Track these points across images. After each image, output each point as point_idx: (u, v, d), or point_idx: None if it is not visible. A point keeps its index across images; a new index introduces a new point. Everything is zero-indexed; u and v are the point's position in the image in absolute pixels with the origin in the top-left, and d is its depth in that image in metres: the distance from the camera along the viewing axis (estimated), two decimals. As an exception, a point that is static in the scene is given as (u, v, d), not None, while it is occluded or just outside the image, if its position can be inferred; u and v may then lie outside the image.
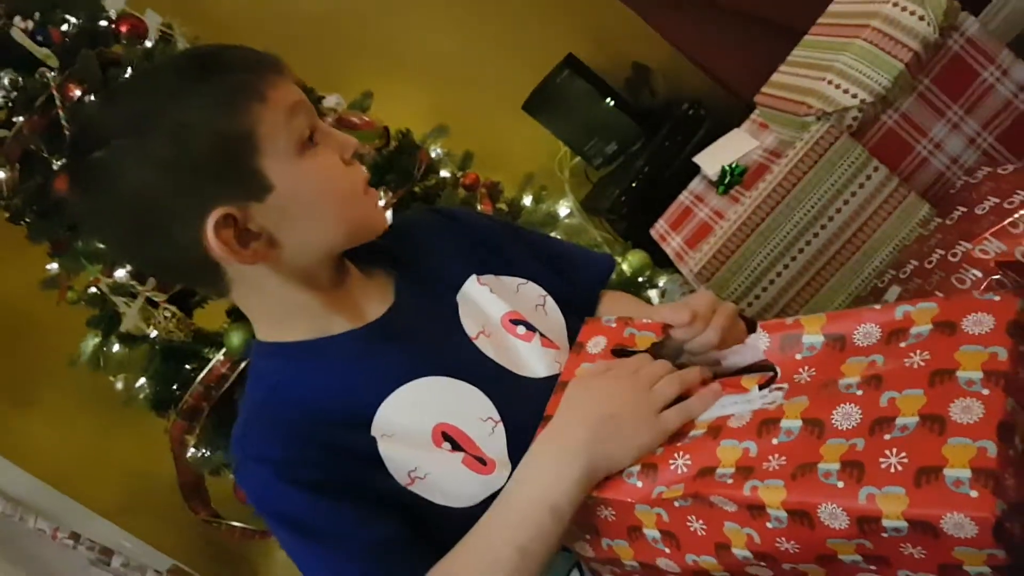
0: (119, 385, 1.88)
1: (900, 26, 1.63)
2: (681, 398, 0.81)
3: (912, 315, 0.71)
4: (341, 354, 0.91)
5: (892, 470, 0.61)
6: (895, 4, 1.64)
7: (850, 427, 0.66)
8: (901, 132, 1.70)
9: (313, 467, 0.82)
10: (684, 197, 2.06)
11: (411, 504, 0.84)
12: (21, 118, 1.69)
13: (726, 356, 0.85)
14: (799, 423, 0.69)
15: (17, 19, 1.72)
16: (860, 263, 1.67)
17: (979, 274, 1.38)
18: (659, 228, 2.08)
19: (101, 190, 0.82)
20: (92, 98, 1.71)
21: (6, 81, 1.69)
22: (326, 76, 2.10)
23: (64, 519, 2.62)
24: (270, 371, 0.92)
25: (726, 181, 1.89)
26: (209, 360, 1.80)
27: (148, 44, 1.87)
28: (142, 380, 1.87)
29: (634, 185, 2.70)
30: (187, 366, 1.85)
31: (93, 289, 1.81)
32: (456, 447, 0.87)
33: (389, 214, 1.93)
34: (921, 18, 1.62)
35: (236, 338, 1.75)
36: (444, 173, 2.17)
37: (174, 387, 1.85)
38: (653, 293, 2.11)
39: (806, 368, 0.76)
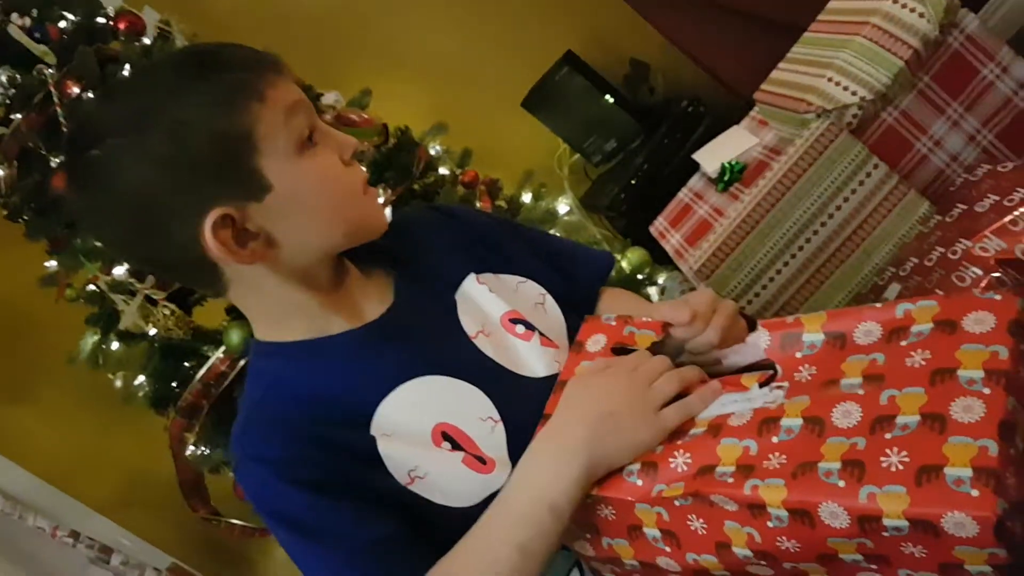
0: (118, 383, 1.88)
1: (900, 23, 1.63)
2: (681, 396, 0.81)
3: (913, 313, 0.71)
4: (340, 354, 0.90)
5: (893, 469, 0.61)
6: (895, 1, 1.64)
7: (851, 426, 0.66)
8: (901, 129, 1.70)
9: (312, 466, 0.82)
10: (683, 194, 2.06)
11: (411, 504, 0.84)
12: (19, 115, 1.69)
13: (727, 355, 0.85)
14: (800, 422, 0.69)
15: (15, 16, 1.72)
16: (860, 261, 1.67)
17: (979, 272, 1.38)
18: (658, 225, 2.08)
19: (98, 188, 0.82)
20: (90, 95, 1.71)
21: (4, 78, 1.69)
22: (325, 73, 2.10)
23: (63, 517, 2.62)
24: (269, 370, 0.92)
25: (726, 178, 1.88)
26: (208, 358, 1.80)
27: (146, 41, 1.87)
28: (141, 378, 1.87)
29: (633, 182, 2.70)
30: (186, 364, 1.85)
31: (92, 287, 1.81)
32: (456, 446, 0.86)
33: (388, 212, 1.93)
34: (921, 15, 1.61)
35: (235, 336, 1.75)
36: (443, 170, 2.17)
37: (173, 385, 1.85)
38: (652, 290, 2.11)
39: (807, 366, 0.75)
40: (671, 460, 0.74)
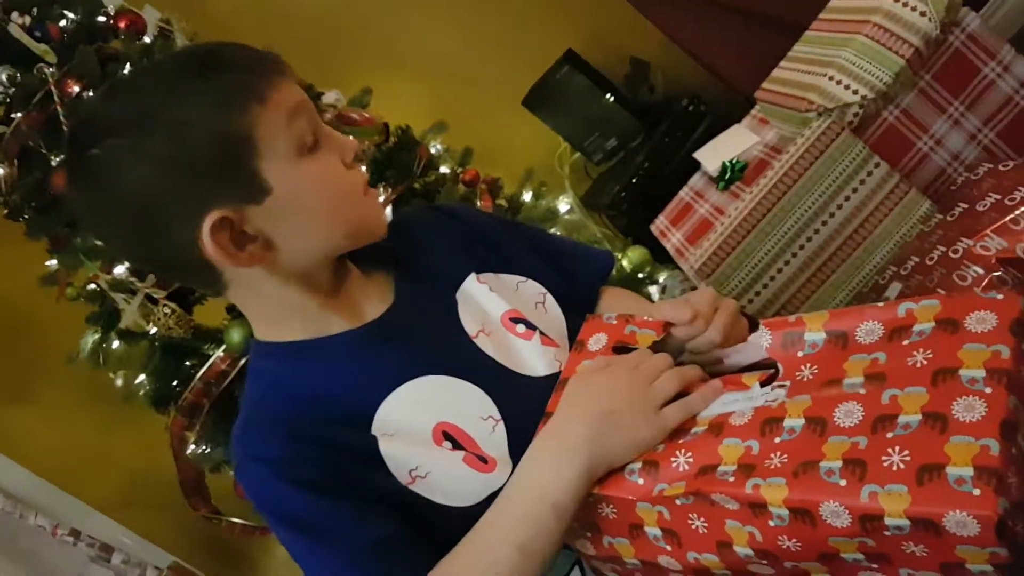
0: (119, 382, 1.88)
1: (901, 22, 1.63)
2: (682, 395, 0.81)
3: (915, 313, 0.71)
4: (340, 354, 0.90)
5: (894, 468, 0.60)
6: (896, -1, 1.64)
7: (852, 425, 0.66)
8: (902, 128, 1.70)
9: (312, 466, 0.82)
10: (684, 193, 2.06)
11: (412, 503, 0.84)
12: (19, 114, 1.69)
13: (728, 354, 0.85)
14: (801, 421, 0.69)
15: (15, 15, 1.72)
16: (861, 260, 1.67)
17: (980, 271, 1.38)
18: (659, 224, 2.08)
19: (98, 187, 0.82)
20: (90, 94, 1.71)
21: (4, 77, 1.69)
22: (325, 72, 2.10)
23: (64, 516, 2.63)
24: (269, 370, 0.92)
25: (726, 177, 1.88)
26: (209, 356, 1.80)
27: (147, 40, 1.87)
28: (142, 377, 1.87)
29: (634, 181, 2.70)
30: (187, 362, 1.84)
31: (92, 286, 1.80)
32: (457, 446, 0.86)
33: (388, 211, 1.93)
34: (923, 14, 1.61)
35: (236, 334, 1.75)
36: (444, 169, 2.17)
37: (174, 384, 1.85)
38: (653, 289, 2.11)
39: (808, 366, 0.75)
40: (673, 459, 0.74)
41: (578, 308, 1.00)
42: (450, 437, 0.87)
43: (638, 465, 0.76)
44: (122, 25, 1.84)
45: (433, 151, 2.17)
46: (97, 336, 1.84)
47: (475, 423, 0.88)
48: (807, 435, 0.67)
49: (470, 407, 0.89)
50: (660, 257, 2.11)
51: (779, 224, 1.65)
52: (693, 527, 0.72)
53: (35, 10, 1.76)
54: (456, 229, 1.04)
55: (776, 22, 2.26)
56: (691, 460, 0.73)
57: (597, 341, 0.89)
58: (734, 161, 1.89)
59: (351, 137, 0.91)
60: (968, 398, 0.62)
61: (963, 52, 1.66)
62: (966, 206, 1.55)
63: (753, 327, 0.82)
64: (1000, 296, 0.67)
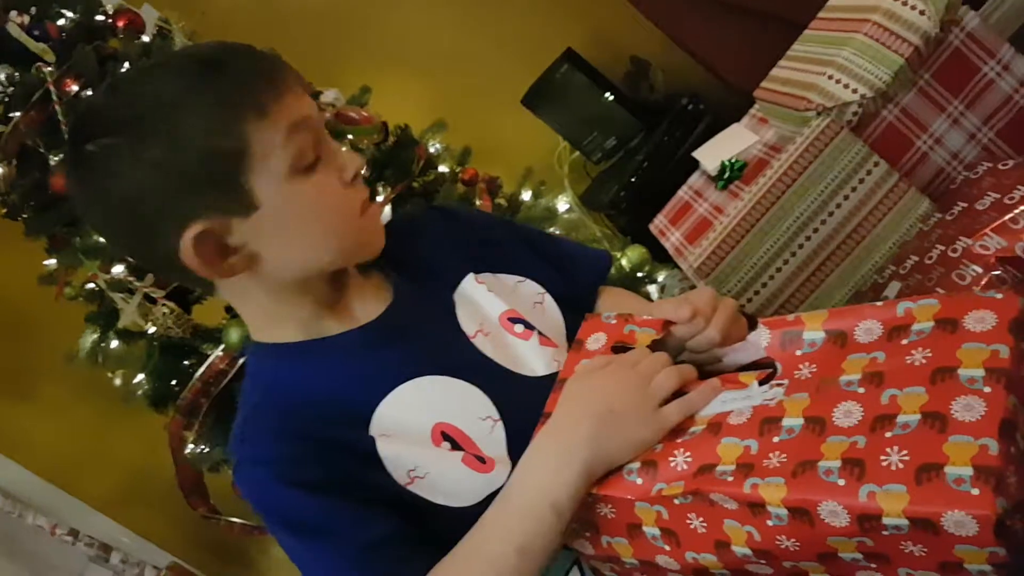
0: (117, 381, 1.88)
1: (901, 20, 1.63)
2: (680, 394, 0.80)
3: (913, 312, 0.71)
4: (338, 355, 0.90)
5: (893, 468, 0.60)
6: (895, -2, 1.64)
7: (851, 424, 0.65)
8: (901, 127, 1.70)
9: (310, 467, 0.82)
10: (683, 192, 2.06)
11: (411, 503, 0.83)
12: (18, 113, 1.69)
13: (727, 353, 0.85)
14: (800, 421, 0.69)
15: (13, 14, 1.72)
16: (860, 259, 1.67)
17: (979, 270, 1.38)
18: (658, 223, 2.07)
19: (92, 183, 0.82)
20: (89, 93, 1.71)
21: (2, 76, 1.68)
22: (324, 71, 2.09)
23: (63, 515, 2.63)
24: (266, 372, 0.91)
25: (725, 176, 1.88)
26: (208, 356, 1.80)
27: (145, 39, 1.87)
28: (140, 376, 1.87)
29: (633, 180, 2.70)
30: (185, 362, 1.84)
31: (91, 285, 1.80)
32: (455, 446, 0.86)
33: (388, 210, 1.93)
34: (922, 12, 1.61)
35: (235, 334, 1.75)
36: (443, 168, 2.16)
37: (173, 383, 1.85)
38: (652, 288, 2.11)
39: (807, 364, 0.75)
40: (671, 459, 0.74)
41: (577, 308, 1.00)
42: (449, 437, 0.86)
43: (636, 465, 0.76)
44: (120, 24, 1.84)
45: (432, 150, 2.17)
46: (96, 335, 1.83)
47: (474, 423, 0.88)
48: (806, 435, 0.67)
49: (469, 407, 0.88)
50: (659, 256, 2.11)
51: (778, 223, 1.65)
52: (691, 527, 0.72)
53: (34, 9, 1.76)
54: (454, 229, 1.04)
55: (776, 21, 2.26)
56: (690, 460, 0.73)
57: (596, 340, 0.88)
58: (733, 160, 1.89)
59: (357, 154, 0.89)
60: (967, 397, 0.62)
61: (962, 51, 1.66)
62: (965, 205, 1.55)
63: (752, 326, 0.82)
64: (999, 295, 0.67)
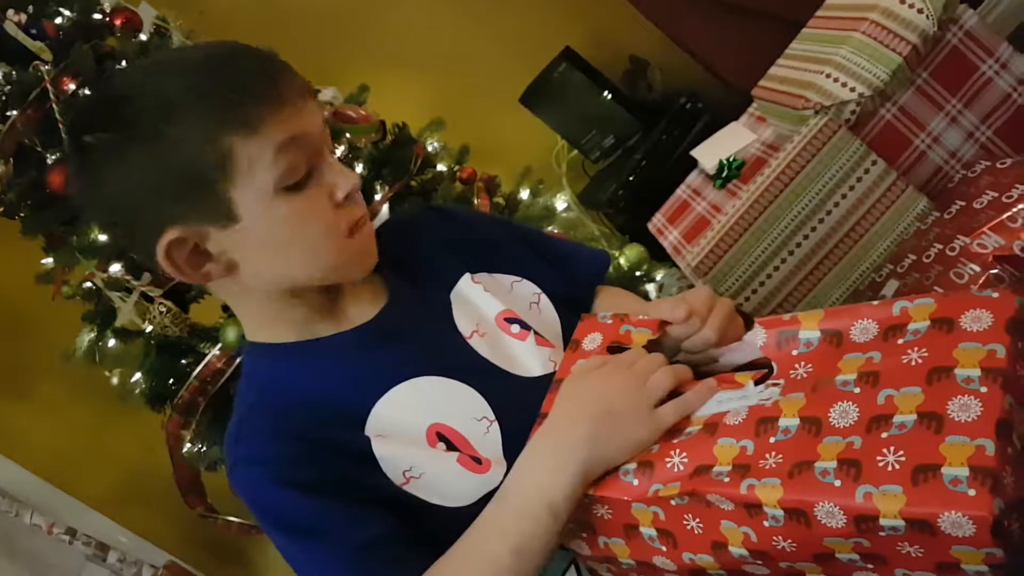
0: (115, 380, 1.88)
1: (899, 19, 1.63)
2: (676, 394, 0.80)
3: (910, 311, 0.71)
4: (333, 355, 0.90)
5: (889, 468, 0.60)
6: (894, -3, 1.64)
7: (847, 425, 0.65)
8: (899, 126, 1.70)
9: (305, 468, 0.82)
10: (682, 191, 2.06)
11: (407, 504, 0.83)
12: (15, 112, 1.68)
13: (723, 353, 0.85)
14: (796, 421, 0.69)
15: (10, 12, 1.71)
16: (858, 257, 1.67)
17: (977, 268, 1.38)
18: (656, 222, 2.08)
19: (85, 174, 0.83)
20: (86, 91, 1.70)
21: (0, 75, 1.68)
22: (322, 69, 2.08)
23: (60, 514, 2.62)
24: (261, 372, 0.91)
25: (724, 175, 1.88)
26: (205, 355, 1.80)
27: (143, 37, 1.86)
28: (138, 375, 1.86)
29: (631, 179, 2.70)
30: (183, 361, 1.84)
31: (88, 284, 1.80)
32: (451, 447, 0.86)
33: (385, 209, 1.93)
34: (920, 11, 1.61)
35: (232, 333, 1.74)
36: (441, 167, 2.16)
37: (170, 382, 1.84)
38: (650, 287, 2.11)
39: (802, 364, 0.75)
40: (667, 459, 0.74)
41: (574, 308, 1.00)
42: (444, 438, 0.86)
43: (633, 466, 0.76)
44: (118, 22, 1.84)
45: (430, 148, 2.16)
46: (93, 334, 1.83)
47: (469, 424, 0.87)
48: (802, 435, 0.67)
49: (464, 408, 0.88)
50: (657, 255, 2.11)
51: (776, 222, 1.65)
52: (688, 527, 0.72)
53: (31, 7, 1.76)
54: (451, 229, 1.04)
55: (774, 19, 2.26)
56: (686, 460, 0.73)
57: (592, 341, 0.88)
58: (731, 159, 1.89)
59: (352, 173, 0.86)
60: (963, 397, 0.61)
61: (961, 49, 1.66)
62: (963, 204, 1.55)
63: (749, 325, 0.82)
64: (995, 295, 0.67)
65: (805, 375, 0.74)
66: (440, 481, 0.84)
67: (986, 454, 0.58)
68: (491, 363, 0.93)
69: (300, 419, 0.85)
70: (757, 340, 0.80)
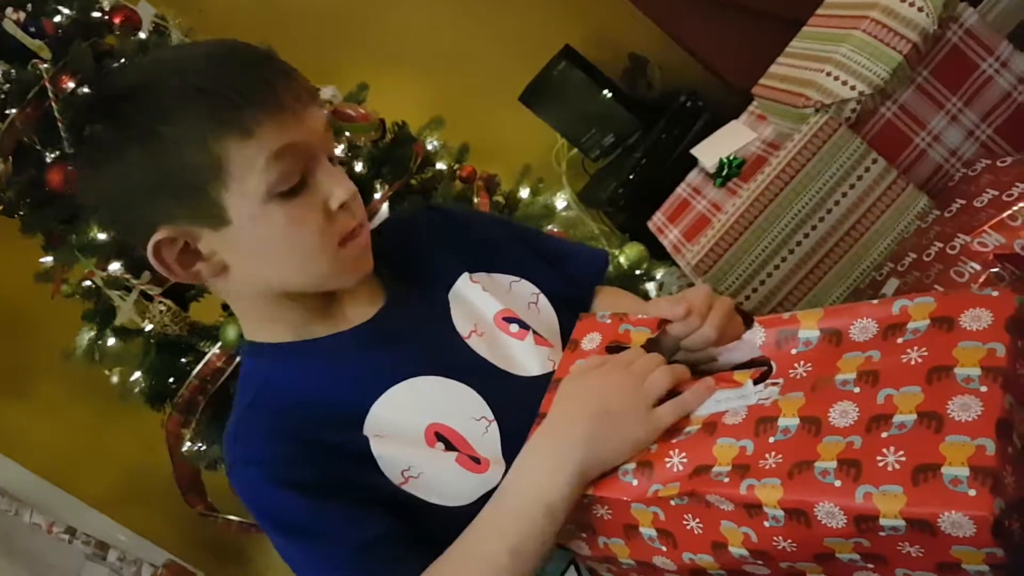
0: (114, 379, 1.88)
1: (899, 17, 1.63)
2: (674, 393, 0.80)
3: (909, 310, 0.70)
4: (331, 355, 0.90)
5: (889, 468, 0.60)
6: (894, -5, 1.64)
7: (847, 425, 0.65)
8: (900, 124, 1.69)
9: (303, 467, 0.81)
10: (682, 189, 2.06)
11: (405, 503, 0.83)
12: (14, 110, 1.68)
13: (723, 352, 0.84)
14: (796, 421, 0.68)
15: (9, 10, 1.71)
16: (858, 256, 1.67)
17: (977, 267, 1.38)
18: (656, 220, 2.07)
19: (87, 164, 0.84)
20: (85, 90, 1.70)
21: (-1, 73, 1.68)
22: (322, 68, 2.07)
23: (60, 513, 2.62)
24: (258, 372, 0.91)
25: (724, 173, 1.88)
26: (205, 354, 1.80)
27: (142, 36, 1.86)
28: (137, 374, 1.86)
29: (631, 177, 2.70)
30: (183, 359, 1.84)
31: (88, 282, 1.80)
32: (449, 447, 0.86)
33: (384, 208, 1.93)
34: (920, 9, 1.61)
35: (232, 331, 1.74)
36: (440, 165, 2.16)
37: (170, 381, 1.84)
38: (650, 286, 2.11)
39: (802, 363, 0.75)
40: (667, 459, 0.74)
41: (573, 307, 0.99)
42: (443, 438, 0.86)
43: (632, 466, 0.76)
44: (117, 21, 1.84)
45: (430, 147, 2.16)
46: (93, 333, 1.83)
47: (468, 424, 0.87)
48: (802, 435, 0.67)
49: (462, 408, 0.88)
50: (657, 253, 2.11)
51: (776, 220, 1.64)
52: (688, 528, 0.72)
53: (30, 6, 1.76)
54: (449, 229, 1.04)
55: (774, 18, 2.26)
56: (685, 460, 0.72)
57: (591, 340, 0.88)
58: (731, 157, 1.89)
59: (349, 182, 0.85)
60: (963, 397, 0.61)
61: (961, 48, 1.66)
62: (964, 202, 1.55)
63: (748, 324, 0.82)
64: (995, 293, 0.67)
65: (804, 374, 0.73)
66: (439, 481, 0.84)
67: (986, 454, 0.57)
68: (489, 363, 0.93)
69: (298, 419, 0.85)
70: (756, 339, 0.79)
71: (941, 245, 1.48)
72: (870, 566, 0.65)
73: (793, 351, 0.76)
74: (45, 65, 1.70)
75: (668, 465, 0.73)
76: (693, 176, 2.05)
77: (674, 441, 0.75)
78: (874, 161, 1.62)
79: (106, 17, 1.84)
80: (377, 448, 0.84)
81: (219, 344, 1.78)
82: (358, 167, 1.96)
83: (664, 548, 0.75)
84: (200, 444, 1.86)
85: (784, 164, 1.63)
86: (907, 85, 1.67)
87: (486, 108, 2.78)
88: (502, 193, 2.32)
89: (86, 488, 2.75)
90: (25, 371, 2.61)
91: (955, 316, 0.67)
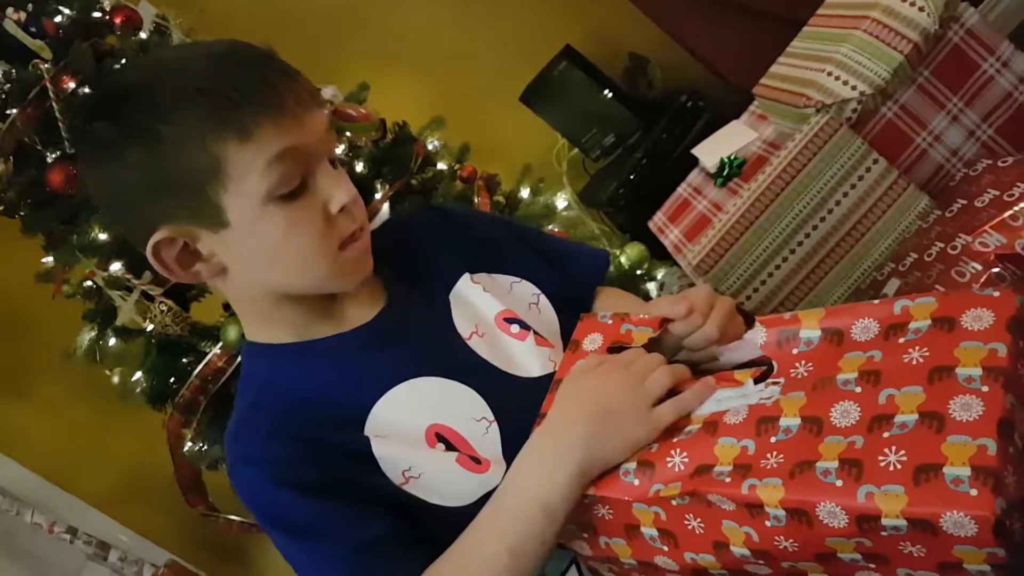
0: (115, 379, 1.88)
1: (900, 17, 1.63)
2: (674, 393, 0.80)
3: (911, 310, 0.70)
4: (332, 356, 0.90)
5: (891, 468, 0.60)
6: (895, -5, 1.63)
7: (849, 425, 0.65)
8: (901, 124, 1.69)
9: (304, 468, 0.81)
10: (682, 189, 2.06)
11: (406, 503, 0.83)
12: (15, 110, 1.68)
13: (724, 352, 0.84)
14: (797, 421, 0.68)
15: (10, 11, 1.71)
16: (860, 256, 1.67)
17: (979, 267, 1.38)
18: (657, 220, 2.07)
19: (89, 161, 0.84)
20: (86, 90, 1.70)
21: (-1, 73, 1.68)
22: (322, 68, 2.07)
23: (61, 513, 2.62)
24: (259, 372, 0.91)
25: (725, 173, 1.88)
26: (206, 354, 1.80)
27: (143, 36, 1.86)
28: (138, 374, 1.86)
29: (632, 177, 2.70)
30: (184, 360, 1.84)
31: (89, 282, 1.80)
32: (450, 447, 0.86)
33: (385, 208, 1.93)
34: (921, 9, 1.61)
35: (233, 331, 1.74)
36: (441, 165, 2.16)
37: (171, 381, 1.84)
38: (651, 286, 2.11)
39: (803, 363, 0.75)
40: (668, 459, 0.74)
41: (574, 308, 0.99)
42: (443, 439, 0.86)
43: (633, 465, 0.76)
44: (118, 21, 1.84)
45: (430, 147, 2.16)
46: (94, 333, 1.83)
47: (468, 424, 0.87)
48: (803, 435, 0.67)
49: (463, 409, 0.88)
50: (658, 253, 2.11)
51: (777, 220, 1.64)
52: (689, 527, 0.72)
53: (30, 6, 1.76)
54: (451, 230, 1.04)
55: (775, 18, 2.26)
56: (687, 460, 0.72)
57: (592, 341, 0.88)
58: (732, 157, 1.89)
59: (350, 186, 0.84)
60: (965, 397, 0.61)
61: (962, 48, 1.66)
62: (965, 202, 1.54)
63: (750, 324, 0.82)
64: (996, 293, 0.67)
65: (805, 374, 0.73)
66: (439, 481, 0.84)
67: (988, 454, 0.57)
68: (490, 364, 0.93)
69: (299, 419, 0.85)
70: (758, 339, 0.79)
71: (942, 245, 1.48)
72: (872, 566, 0.65)
73: (794, 351, 0.76)
74: (46, 65, 1.70)
75: (669, 465, 0.73)
76: (694, 176, 2.05)
77: (675, 440, 0.75)
78: (875, 161, 1.62)
79: (107, 17, 1.84)
80: (378, 448, 0.84)
81: (220, 344, 1.78)
82: (359, 167, 1.96)
83: (666, 548, 0.75)
84: (201, 444, 1.86)
85: (785, 164, 1.63)
86: (908, 85, 1.67)
87: (487, 108, 2.78)
88: (503, 193, 2.32)
89: (87, 488, 2.75)
90: (26, 371, 2.61)
91: (956, 316, 0.67)
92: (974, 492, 0.56)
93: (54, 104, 1.68)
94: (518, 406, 0.86)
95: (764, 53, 1.99)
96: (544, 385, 0.85)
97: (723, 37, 2.56)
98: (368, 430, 0.85)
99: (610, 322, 0.89)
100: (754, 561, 0.69)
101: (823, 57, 1.73)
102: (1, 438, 2.63)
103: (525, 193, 2.37)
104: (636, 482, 0.75)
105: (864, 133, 1.67)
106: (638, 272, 2.13)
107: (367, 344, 0.90)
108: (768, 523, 0.65)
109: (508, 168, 2.42)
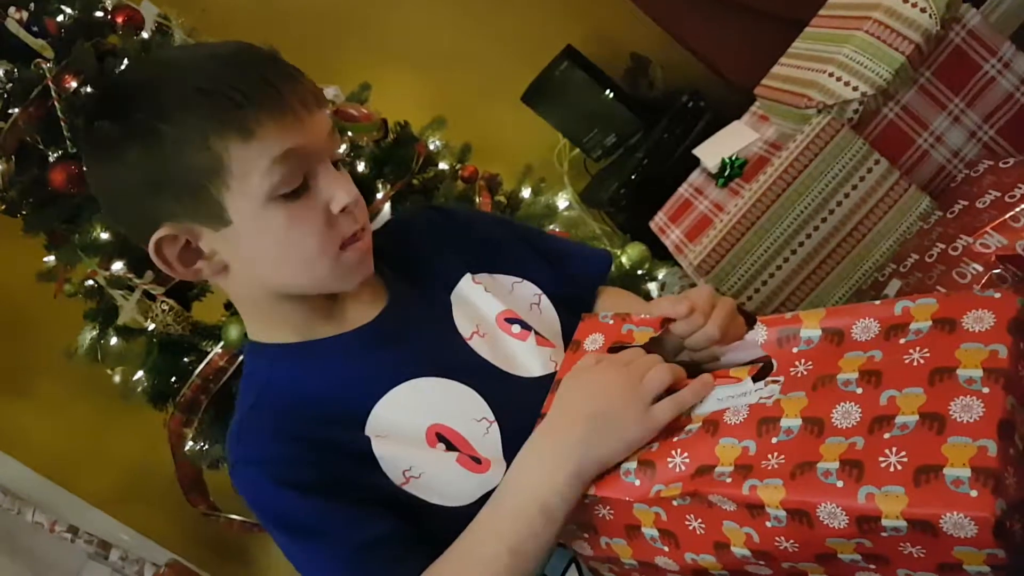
0: (117, 378, 1.88)
1: (902, 18, 1.63)
2: (672, 391, 0.80)
3: (911, 311, 0.70)
4: (334, 356, 0.90)
5: (891, 469, 0.60)
6: (896, -4, 1.63)
7: (850, 426, 0.65)
8: (902, 125, 1.69)
9: (305, 467, 0.82)
10: (684, 190, 2.06)
11: (406, 503, 0.83)
12: (16, 110, 1.68)
13: (725, 352, 0.84)
14: (798, 421, 0.68)
15: (12, 10, 1.71)
16: (861, 256, 1.67)
17: (980, 268, 1.38)
18: (658, 221, 2.07)
19: (90, 157, 0.85)
20: (88, 89, 1.70)
21: (1, 72, 1.68)
22: (324, 68, 2.07)
23: (62, 512, 2.62)
24: (261, 372, 0.91)
25: (726, 174, 1.88)
26: (207, 353, 1.80)
27: (145, 35, 1.86)
28: (140, 373, 1.86)
29: (633, 177, 2.70)
30: (185, 359, 1.84)
31: (90, 282, 1.80)
32: (450, 447, 0.86)
33: (387, 208, 1.93)
34: (923, 10, 1.61)
35: (234, 331, 1.74)
36: (442, 165, 2.16)
37: (172, 380, 1.84)
38: (652, 286, 2.11)
39: (803, 362, 0.75)
40: (669, 459, 0.74)
41: (575, 308, 0.99)
42: (444, 439, 0.86)
43: (634, 465, 0.76)
44: (120, 20, 1.83)
45: (432, 147, 2.16)
46: (95, 332, 1.83)
47: (469, 424, 0.87)
48: (804, 436, 0.67)
49: (463, 409, 0.88)
50: (659, 254, 2.11)
51: (778, 221, 1.64)
52: (690, 528, 0.72)
53: (32, 5, 1.76)
54: (452, 230, 1.04)
55: (776, 18, 2.26)
56: (687, 460, 0.73)
57: (594, 341, 0.88)
58: (734, 158, 1.89)
59: (352, 187, 0.84)
60: (965, 398, 0.61)
61: (963, 49, 1.66)
62: (966, 203, 1.54)
63: (751, 325, 0.82)
64: (997, 295, 0.67)
65: (805, 372, 0.73)
66: (440, 481, 0.84)
67: (988, 455, 0.58)
68: (491, 364, 0.93)
69: (300, 419, 0.85)
70: (759, 338, 0.80)
71: (943, 246, 1.48)
72: (872, 566, 0.65)
73: (794, 350, 0.76)
74: (48, 64, 1.70)
75: (670, 465, 0.73)
76: (695, 176, 2.05)
77: (676, 440, 0.75)
78: (876, 162, 1.62)
79: (109, 17, 1.84)
80: (379, 448, 0.84)
81: (221, 344, 1.78)
82: (360, 167, 1.96)
83: (666, 548, 0.75)
84: (202, 443, 1.86)
85: (786, 165, 1.63)
86: (909, 86, 1.67)
87: (488, 108, 2.78)
88: (504, 193, 2.32)
89: (88, 487, 2.75)
90: (27, 370, 2.61)
91: (957, 317, 0.67)
92: (974, 493, 0.56)
93: (56, 103, 1.68)
94: (519, 406, 0.86)
95: (765, 53, 1.99)
96: (545, 385, 0.86)
97: (724, 37, 2.56)
98: (369, 430, 0.85)
99: (611, 322, 0.89)
100: (754, 562, 0.69)
101: (825, 58, 1.73)
102: (2, 437, 2.63)
103: (526, 193, 2.37)
104: (637, 482, 0.75)
105: (865, 134, 1.67)
106: (639, 272, 2.13)
107: (368, 344, 0.90)
108: (769, 524, 0.66)
109: (509, 168, 2.42)
